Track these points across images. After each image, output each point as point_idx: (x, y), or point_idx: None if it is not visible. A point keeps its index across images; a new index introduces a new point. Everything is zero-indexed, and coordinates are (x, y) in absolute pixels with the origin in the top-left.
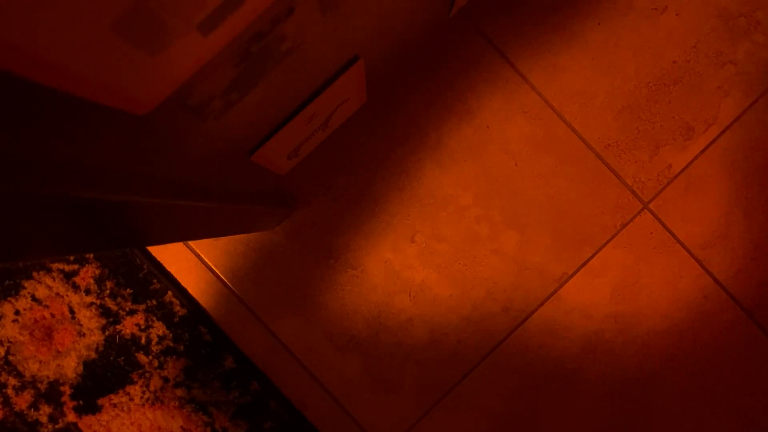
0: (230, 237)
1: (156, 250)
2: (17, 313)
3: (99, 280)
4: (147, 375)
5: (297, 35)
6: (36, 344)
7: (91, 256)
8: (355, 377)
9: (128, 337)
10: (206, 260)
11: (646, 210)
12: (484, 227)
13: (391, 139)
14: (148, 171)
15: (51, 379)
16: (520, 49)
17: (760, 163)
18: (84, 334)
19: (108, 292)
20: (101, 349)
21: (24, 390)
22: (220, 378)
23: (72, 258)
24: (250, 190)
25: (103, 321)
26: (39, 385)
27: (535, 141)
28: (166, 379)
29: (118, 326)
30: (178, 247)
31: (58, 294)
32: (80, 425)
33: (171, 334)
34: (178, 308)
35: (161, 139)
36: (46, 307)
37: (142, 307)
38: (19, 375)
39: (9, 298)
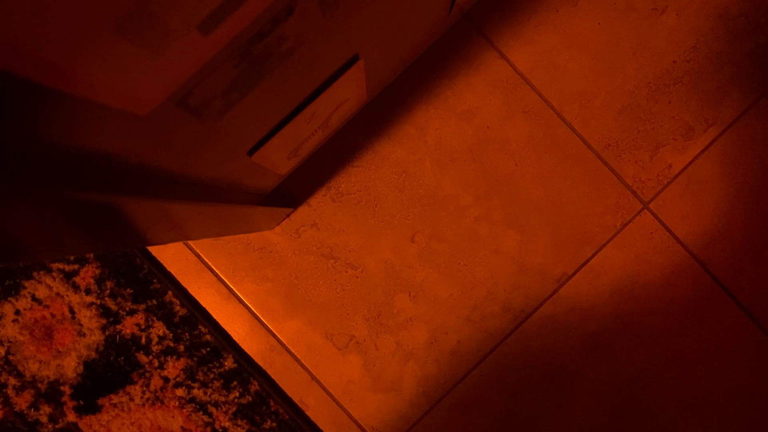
0: (230, 237)
1: (156, 250)
2: (17, 313)
3: (99, 280)
4: (147, 375)
5: (297, 35)
6: (36, 344)
7: (91, 256)
8: (355, 377)
9: (128, 337)
10: (206, 260)
11: (646, 210)
12: (484, 227)
13: (391, 139)
14: (148, 171)
15: (51, 379)
16: (520, 49)
17: (761, 163)
18: (84, 334)
19: (108, 292)
20: (101, 349)
21: (24, 390)
22: (220, 378)
23: (72, 258)
24: (250, 190)
25: (103, 321)
26: (39, 385)
27: (535, 141)
28: (166, 379)
29: (118, 326)
30: (178, 247)
31: (58, 294)
32: (80, 425)
33: (171, 334)
34: (178, 308)
35: (161, 139)
36: (46, 307)
37: (142, 307)
38: (19, 375)
39: (9, 298)
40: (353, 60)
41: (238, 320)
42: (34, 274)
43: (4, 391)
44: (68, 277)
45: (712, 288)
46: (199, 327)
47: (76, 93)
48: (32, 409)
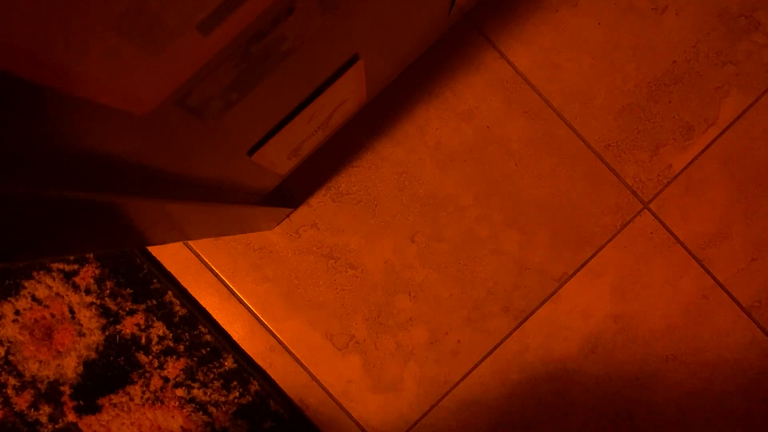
0: (230, 237)
1: (156, 250)
2: (17, 313)
3: (99, 280)
4: (147, 375)
5: (297, 35)
6: (36, 344)
7: (91, 256)
8: (355, 377)
9: (128, 337)
10: (206, 260)
11: (646, 210)
12: (484, 227)
13: (391, 139)
14: (148, 171)
15: (51, 379)
16: (521, 49)
17: (761, 163)
18: (84, 334)
19: (108, 292)
20: (101, 349)
21: (24, 390)
22: (220, 378)
23: (72, 258)
24: (250, 190)
25: (103, 321)
26: (39, 385)
27: (535, 141)
28: (166, 379)
29: (118, 326)
30: (178, 247)
31: (58, 294)
32: (80, 425)
33: (171, 334)
34: (178, 308)
35: (161, 139)
36: (46, 307)
37: (142, 307)
38: (19, 375)
39: (9, 298)
40: (353, 60)
41: (238, 320)
42: (34, 274)
43: (4, 391)
44: (68, 277)
45: (712, 288)
46: (199, 327)
47: (76, 93)
48: (32, 409)
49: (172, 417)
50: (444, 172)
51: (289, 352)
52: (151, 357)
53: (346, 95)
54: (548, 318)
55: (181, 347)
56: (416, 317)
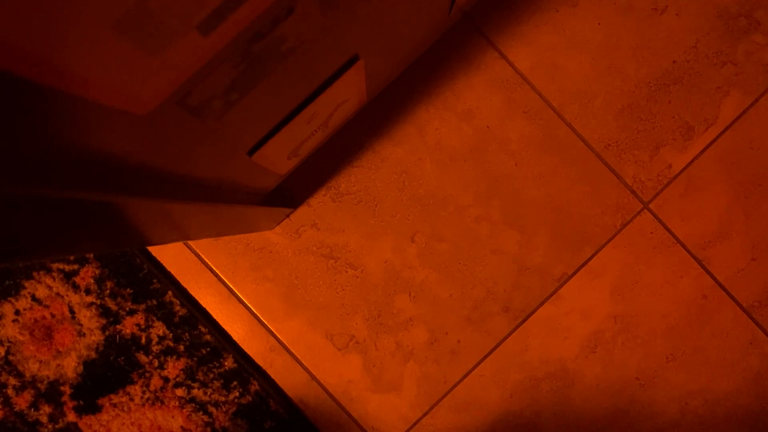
0: (230, 237)
1: (156, 250)
2: (17, 313)
3: (99, 280)
4: (147, 375)
5: (297, 35)
6: (36, 344)
7: (91, 256)
8: (355, 377)
9: (128, 337)
10: (206, 260)
11: (646, 210)
12: (484, 227)
13: (391, 139)
14: (148, 171)
15: (51, 379)
16: (520, 49)
17: (761, 163)
18: (84, 334)
19: (108, 292)
20: (101, 349)
21: (24, 390)
22: (220, 378)
23: (72, 258)
24: (250, 190)
25: (103, 321)
26: (39, 385)
27: (535, 141)
28: (166, 379)
29: (118, 326)
30: (178, 247)
31: (58, 294)
32: (80, 425)
33: (171, 334)
34: (178, 308)
35: (161, 139)
36: (46, 307)
37: (142, 307)
38: (19, 375)
39: (9, 298)
40: (353, 60)
41: (238, 320)
42: (34, 274)
43: (4, 391)
44: (68, 277)
45: (712, 288)
46: (199, 327)
47: (76, 93)
48: (32, 409)
49: (172, 417)
50: (444, 172)
51: (289, 352)
52: (151, 357)
53: (346, 95)
54: (548, 318)
55: (181, 347)
56: (416, 317)
